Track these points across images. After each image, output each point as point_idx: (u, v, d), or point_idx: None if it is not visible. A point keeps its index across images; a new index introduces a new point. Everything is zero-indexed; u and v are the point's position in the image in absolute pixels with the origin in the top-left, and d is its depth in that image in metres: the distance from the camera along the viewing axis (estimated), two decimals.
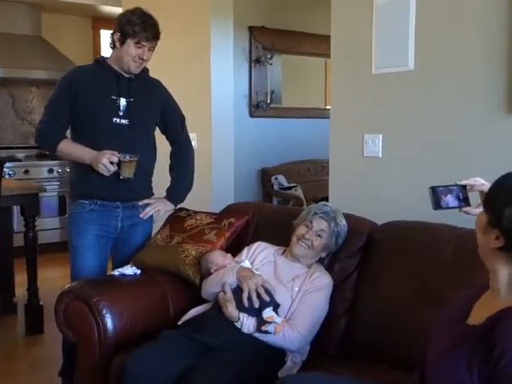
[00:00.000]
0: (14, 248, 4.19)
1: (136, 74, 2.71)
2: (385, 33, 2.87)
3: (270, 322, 2.18)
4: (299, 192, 5.47)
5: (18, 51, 5.98)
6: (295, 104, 5.84)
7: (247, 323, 2.21)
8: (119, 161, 2.59)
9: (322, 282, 2.34)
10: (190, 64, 4.33)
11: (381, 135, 2.95)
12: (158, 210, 2.84)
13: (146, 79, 2.82)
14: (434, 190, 1.73)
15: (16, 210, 4.35)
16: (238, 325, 2.21)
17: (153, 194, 2.91)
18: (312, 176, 5.87)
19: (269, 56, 5.46)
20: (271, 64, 5.51)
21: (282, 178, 5.52)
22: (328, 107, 3.35)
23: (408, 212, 2.56)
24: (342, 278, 2.43)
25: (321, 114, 5.62)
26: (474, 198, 1.78)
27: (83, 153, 2.64)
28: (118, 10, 5.36)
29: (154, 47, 2.68)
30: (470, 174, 1.83)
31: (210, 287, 2.42)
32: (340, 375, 2.03)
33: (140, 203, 2.81)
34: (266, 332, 2.17)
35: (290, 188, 5.49)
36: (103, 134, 2.67)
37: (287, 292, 2.31)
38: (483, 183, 1.75)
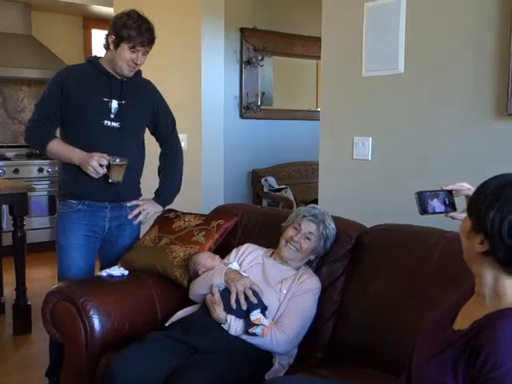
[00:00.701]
0: (3, 247, 4.16)
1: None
2: (375, 36, 2.88)
3: (258, 325, 2.17)
4: (289, 194, 5.46)
5: (9, 50, 5.94)
6: (286, 106, 5.84)
7: (235, 325, 2.20)
8: (109, 164, 2.57)
9: (310, 284, 2.34)
10: (181, 65, 4.32)
11: (370, 138, 2.96)
12: (146, 212, 2.82)
13: (138, 81, 2.79)
14: (420, 195, 1.72)
15: (5, 208, 4.33)
16: (225, 327, 2.21)
17: (141, 196, 2.90)
18: (302, 178, 5.88)
19: (260, 57, 5.45)
20: (262, 65, 5.50)
21: (272, 180, 5.52)
22: (320, 109, 3.35)
23: (397, 215, 2.56)
24: (330, 281, 2.43)
25: (312, 116, 5.62)
26: (461, 202, 1.78)
27: (73, 154, 2.62)
28: (109, 10, 5.36)
29: (149, 51, 2.65)
30: (459, 177, 1.84)
31: (197, 289, 2.42)
32: (327, 378, 2.03)
33: (128, 204, 2.80)
34: (254, 334, 2.17)
35: (279, 190, 5.49)
36: (93, 135, 2.65)
37: (275, 294, 2.31)
38: (469, 188, 1.74)
